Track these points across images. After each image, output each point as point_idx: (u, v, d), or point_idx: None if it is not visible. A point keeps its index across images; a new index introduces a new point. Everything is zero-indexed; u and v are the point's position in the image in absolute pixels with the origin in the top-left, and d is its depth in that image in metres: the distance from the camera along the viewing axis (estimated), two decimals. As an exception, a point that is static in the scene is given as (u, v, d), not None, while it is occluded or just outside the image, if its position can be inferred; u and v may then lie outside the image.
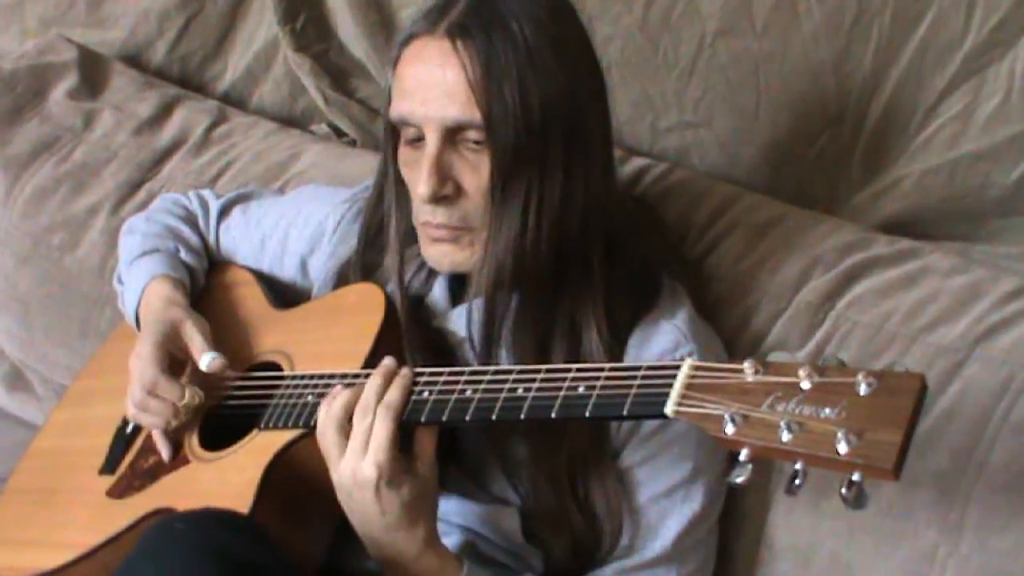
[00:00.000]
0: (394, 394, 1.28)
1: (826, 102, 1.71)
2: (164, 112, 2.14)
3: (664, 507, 1.39)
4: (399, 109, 1.37)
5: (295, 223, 1.65)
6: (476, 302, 1.43)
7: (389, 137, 1.43)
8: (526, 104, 1.33)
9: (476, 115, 1.32)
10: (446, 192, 1.35)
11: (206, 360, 1.47)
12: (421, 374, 1.30)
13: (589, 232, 1.39)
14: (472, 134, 1.34)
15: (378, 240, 1.51)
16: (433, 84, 1.34)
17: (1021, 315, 1.47)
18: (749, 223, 1.64)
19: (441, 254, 1.41)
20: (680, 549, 1.40)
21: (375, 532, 1.30)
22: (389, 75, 1.41)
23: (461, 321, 1.45)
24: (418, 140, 1.37)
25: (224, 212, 1.72)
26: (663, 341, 1.41)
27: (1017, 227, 1.64)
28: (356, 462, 1.27)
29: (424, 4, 1.39)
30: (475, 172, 1.35)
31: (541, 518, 1.39)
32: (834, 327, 1.54)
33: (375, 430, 1.27)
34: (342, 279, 1.54)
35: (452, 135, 1.34)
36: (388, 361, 1.32)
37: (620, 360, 1.39)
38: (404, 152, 1.40)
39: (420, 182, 1.34)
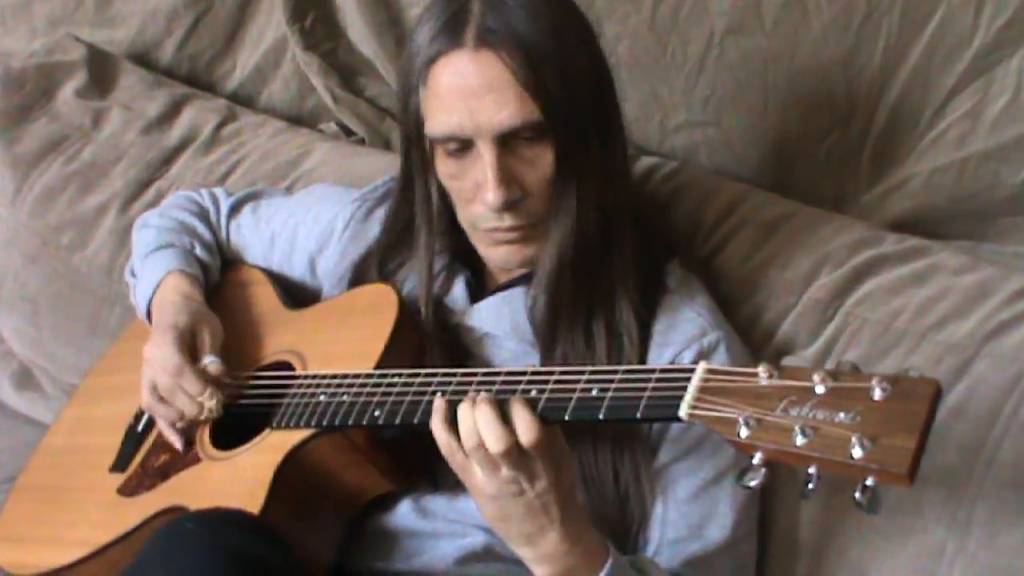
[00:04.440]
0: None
1: (835, 101, 1.71)
2: (173, 111, 2.14)
3: (715, 494, 1.39)
4: (446, 126, 1.35)
5: (304, 221, 1.66)
6: (510, 292, 1.45)
7: (418, 156, 1.41)
8: (568, 86, 1.33)
9: (532, 114, 1.32)
10: (514, 197, 1.35)
11: (206, 360, 1.49)
12: (435, 374, 1.30)
13: (621, 211, 1.41)
14: (525, 132, 1.33)
15: (403, 239, 1.51)
16: (480, 94, 1.32)
17: (1030, 314, 1.48)
18: (758, 220, 1.64)
19: (510, 254, 1.40)
20: (738, 535, 1.41)
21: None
22: (415, 99, 1.38)
23: (481, 317, 1.46)
24: (461, 150, 1.36)
25: (235, 209, 1.73)
26: (689, 328, 1.42)
27: (1026, 226, 1.64)
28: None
29: (430, 25, 1.36)
30: (534, 167, 1.35)
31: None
32: (843, 324, 1.54)
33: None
34: (359, 275, 1.54)
35: (505, 139, 1.33)
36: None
37: (648, 340, 1.41)
38: (447, 164, 1.38)
39: (488, 192, 1.33)
